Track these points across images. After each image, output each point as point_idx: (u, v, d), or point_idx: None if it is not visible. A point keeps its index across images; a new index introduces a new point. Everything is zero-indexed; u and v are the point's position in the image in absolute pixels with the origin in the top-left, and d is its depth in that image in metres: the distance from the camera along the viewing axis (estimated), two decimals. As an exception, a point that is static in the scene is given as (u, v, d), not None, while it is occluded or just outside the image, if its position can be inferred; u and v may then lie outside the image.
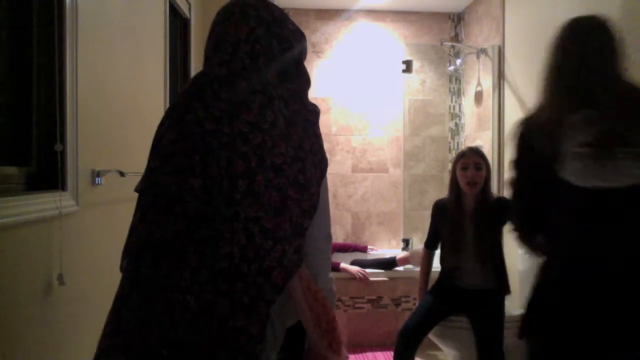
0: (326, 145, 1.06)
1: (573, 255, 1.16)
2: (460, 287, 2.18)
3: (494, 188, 2.70)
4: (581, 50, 1.22)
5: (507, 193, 1.83)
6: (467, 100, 3.75)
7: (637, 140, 1.11)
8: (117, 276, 0.86)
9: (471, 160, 2.15)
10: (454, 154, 3.79)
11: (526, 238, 1.31)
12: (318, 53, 3.81)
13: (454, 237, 2.18)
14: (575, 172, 1.13)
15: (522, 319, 1.24)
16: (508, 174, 1.30)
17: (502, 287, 2.15)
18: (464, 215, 2.18)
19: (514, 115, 2.96)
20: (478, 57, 3.38)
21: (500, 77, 3.12)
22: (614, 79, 1.20)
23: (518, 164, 1.26)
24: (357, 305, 3.07)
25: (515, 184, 1.28)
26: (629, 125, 1.13)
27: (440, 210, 2.30)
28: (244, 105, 0.84)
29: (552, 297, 1.18)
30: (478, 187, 2.13)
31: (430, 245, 2.37)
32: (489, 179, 2.19)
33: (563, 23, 1.29)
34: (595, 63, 1.20)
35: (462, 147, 3.54)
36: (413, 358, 2.09)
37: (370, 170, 3.84)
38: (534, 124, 1.24)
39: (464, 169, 2.15)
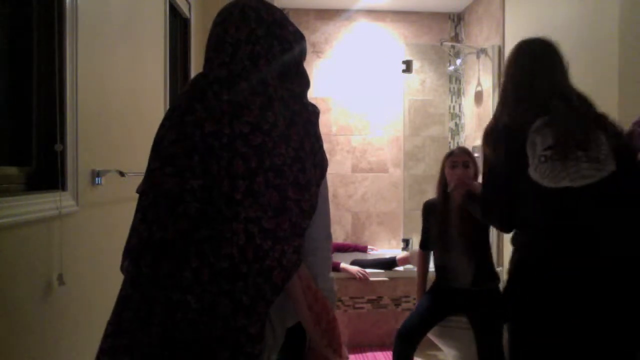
0: (326, 145, 1.07)
1: (545, 250, 1.28)
2: (456, 287, 2.19)
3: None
4: (534, 67, 1.40)
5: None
6: (467, 100, 3.75)
7: (590, 143, 1.26)
8: (117, 276, 0.86)
9: (459, 159, 2.19)
10: (454, 154, 3.79)
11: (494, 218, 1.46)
12: (318, 53, 3.81)
13: (443, 235, 2.20)
14: (543, 173, 1.27)
15: (505, 304, 1.38)
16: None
17: (494, 282, 2.17)
18: (451, 214, 2.19)
19: (514, 115, 2.96)
20: (478, 57, 3.38)
21: (500, 77, 3.11)
22: (566, 89, 1.37)
23: (488, 166, 1.41)
24: (357, 305, 3.08)
25: (486, 182, 1.43)
26: (583, 130, 1.28)
27: (429, 210, 2.34)
28: (244, 107, 0.84)
29: (524, 287, 1.31)
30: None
31: (424, 246, 2.38)
32: (477, 177, 2.21)
33: (516, 45, 1.48)
34: (548, 77, 1.37)
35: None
36: (412, 358, 2.09)
37: (370, 170, 3.84)
38: (500, 130, 1.38)
39: (453, 167, 2.19)
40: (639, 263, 1.20)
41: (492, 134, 1.40)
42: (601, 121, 1.31)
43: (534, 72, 1.38)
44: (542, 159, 1.26)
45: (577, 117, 1.30)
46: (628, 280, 1.20)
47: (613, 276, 1.20)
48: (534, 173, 1.27)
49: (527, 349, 1.30)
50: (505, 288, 1.38)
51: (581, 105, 1.34)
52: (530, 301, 1.28)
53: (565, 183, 1.23)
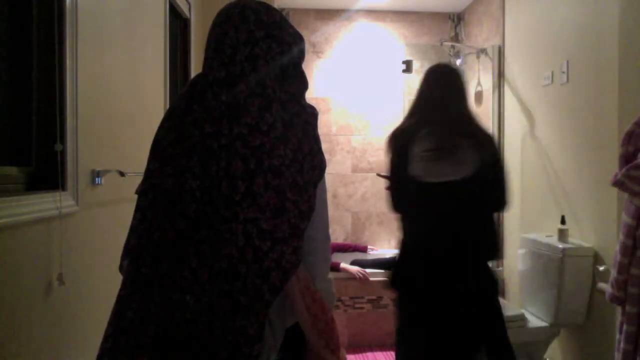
0: (326, 145, 1.07)
1: (417, 231, 1.71)
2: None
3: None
4: (434, 88, 1.79)
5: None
6: (467, 100, 3.75)
7: (458, 151, 1.64)
8: (117, 276, 0.86)
9: None
10: (454, 154, 3.79)
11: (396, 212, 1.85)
12: (318, 53, 3.81)
13: None
14: (421, 170, 1.65)
15: (390, 275, 1.80)
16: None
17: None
18: None
19: (514, 115, 2.96)
20: (478, 57, 3.38)
21: (500, 77, 3.12)
22: (453, 109, 1.73)
23: (390, 164, 1.77)
24: (357, 305, 3.08)
25: (389, 178, 1.80)
26: (453, 140, 1.66)
27: None
28: (243, 108, 0.84)
29: (405, 259, 1.75)
30: None
31: None
32: None
33: (429, 68, 1.87)
34: (441, 96, 1.76)
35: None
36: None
37: (370, 170, 3.84)
38: (398, 135, 1.77)
39: None
40: (483, 246, 1.67)
41: (391, 138, 1.78)
42: (473, 134, 1.68)
43: (433, 92, 1.77)
44: (420, 159, 1.64)
45: (451, 130, 1.68)
46: (475, 259, 1.66)
47: (464, 256, 1.64)
48: (412, 169, 1.64)
49: (409, 316, 1.74)
50: (397, 257, 1.78)
51: (458, 120, 1.71)
52: (406, 265, 1.72)
53: (432, 179, 1.62)
